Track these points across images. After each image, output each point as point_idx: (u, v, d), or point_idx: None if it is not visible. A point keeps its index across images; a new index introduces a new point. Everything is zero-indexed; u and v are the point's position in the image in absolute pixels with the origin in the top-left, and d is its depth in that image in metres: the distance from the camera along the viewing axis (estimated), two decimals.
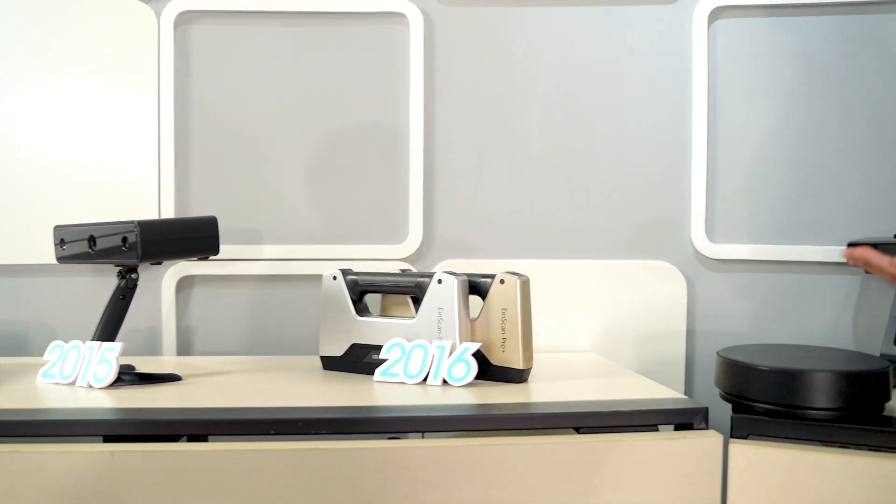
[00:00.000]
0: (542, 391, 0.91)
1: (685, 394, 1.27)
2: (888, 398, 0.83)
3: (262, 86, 1.24)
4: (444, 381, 0.93)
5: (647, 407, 0.83)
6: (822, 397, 0.81)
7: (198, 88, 1.24)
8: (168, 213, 1.22)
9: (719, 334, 1.26)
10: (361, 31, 1.25)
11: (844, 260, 1.22)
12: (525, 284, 0.96)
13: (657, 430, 0.82)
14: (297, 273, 1.24)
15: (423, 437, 0.88)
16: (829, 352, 0.93)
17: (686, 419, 0.84)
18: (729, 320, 1.26)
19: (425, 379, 0.93)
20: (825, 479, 0.78)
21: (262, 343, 1.25)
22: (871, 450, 0.80)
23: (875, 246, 1.13)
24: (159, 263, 1.05)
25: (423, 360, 0.93)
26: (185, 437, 0.81)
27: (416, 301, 0.99)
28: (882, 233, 1.23)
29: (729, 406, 0.90)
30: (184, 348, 1.24)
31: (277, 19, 1.24)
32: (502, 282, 0.95)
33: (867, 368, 0.82)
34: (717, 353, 0.92)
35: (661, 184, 1.27)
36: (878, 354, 1.12)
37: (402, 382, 0.94)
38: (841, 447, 0.80)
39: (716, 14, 1.24)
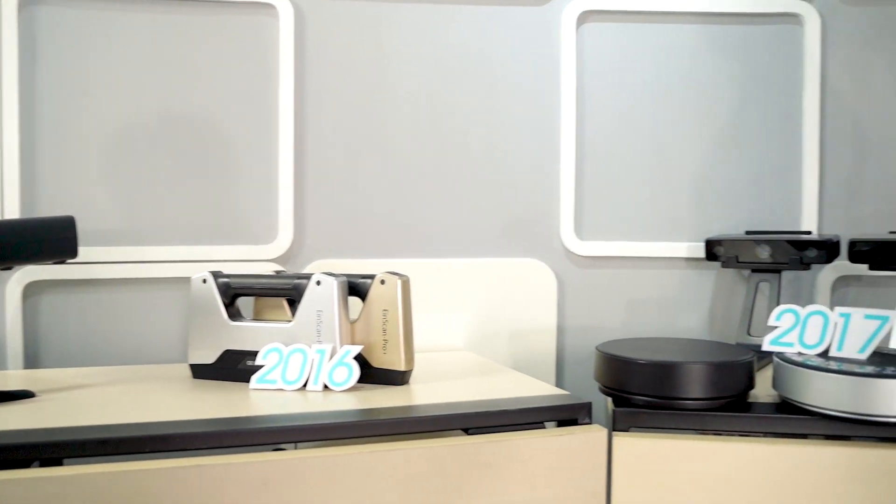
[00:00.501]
0: (426, 393, 0.90)
1: (560, 387, 1.29)
2: (753, 386, 0.87)
3: (120, 76, 1.15)
4: (325, 387, 0.89)
5: (533, 404, 0.84)
6: (696, 388, 0.84)
7: (47, 76, 1.13)
8: (13, 213, 1.11)
9: (589, 329, 1.30)
10: (230, 22, 1.19)
11: (704, 255, 1.29)
12: (406, 285, 0.94)
13: (544, 427, 0.83)
14: (158, 276, 1.16)
15: (307, 446, 0.84)
16: (700, 344, 0.97)
17: (571, 415, 0.85)
18: (598, 315, 1.30)
19: (305, 384, 0.89)
20: (702, 465, 0.81)
21: (123, 352, 1.16)
22: (741, 435, 0.84)
23: (728, 242, 1.20)
24: (9, 269, 0.95)
25: (302, 365, 0.89)
26: (37, 463, 0.73)
27: (292, 303, 0.95)
28: (736, 229, 1.30)
29: (603, 399, 0.92)
30: (32, 361, 1.13)
31: (138, 4, 1.16)
32: (383, 282, 0.93)
33: (735, 359, 0.86)
34: (597, 348, 0.94)
35: (531, 183, 1.29)
36: (734, 343, 1.19)
37: (281, 389, 0.89)
38: (715, 434, 0.84)
39: (584, 17, 1.27)
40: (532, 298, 1.28)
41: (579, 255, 1.30)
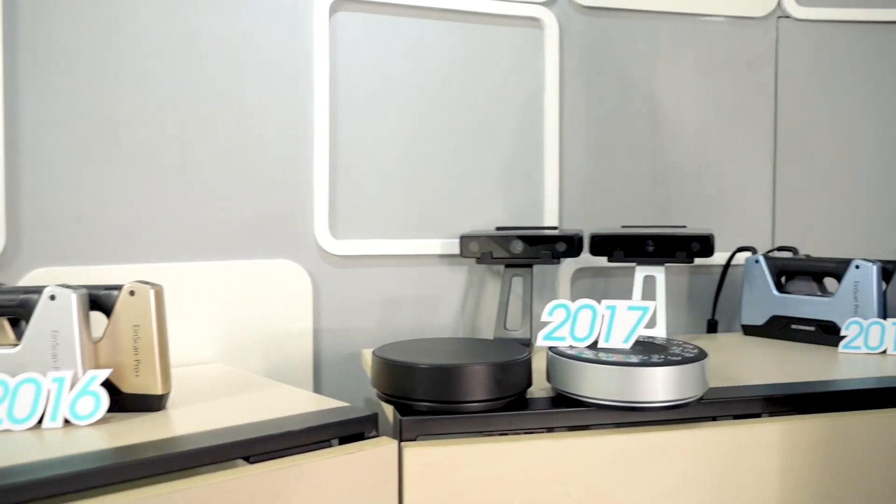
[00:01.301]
0: (190, 418, 0.78)
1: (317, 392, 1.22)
2: (531, 383, 0.88)
3: None
4: (66, 422, 0.74)
5: (318, 421, 0.77)
6: (480, 390, 0.83)
7: None
8: None
9: (346, 331, 1.25)
10: None
11: (458, 251, 1.29)
12: (159, 295, 0.82)
13: (331, 446, 0.76)
14: None
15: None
16: (474, 343, 0.96)
17: (358, 429, 0.79)
18: (354, 316, 1.25)
19: (41, 421, 0.74)
20: (492, 467, 0.80)
21: None
22: (527, 433, 0.84)
23: (483, 238, 1.22)
24: None
25: (35, 399, 0.73)
26: None
27: (16, 323, 0.78)
28: (487, 226, 1.33)
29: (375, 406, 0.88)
30: None
31: None
32: (132, 293, 0.80)
33: (515, 358, 0.86)
34: (374, 353, 0.89)
35: (283, 180, 1.20)
36: (492, 338, 1.21)
37: (8, 430, 0.73)
38: (501, 435, 0.83)
39: (338, 5, 1.21)
40: (286, 302, 1.19)
41: (334, 255, 1.24)
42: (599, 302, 0.91)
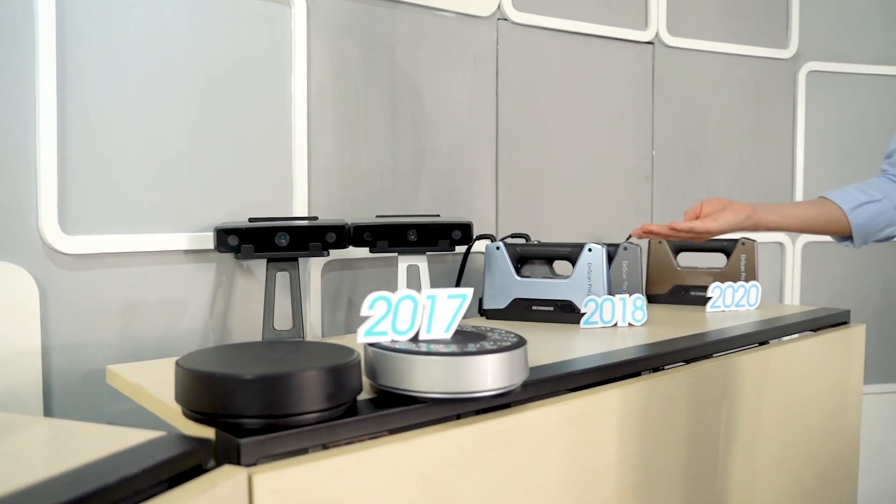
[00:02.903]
0: None
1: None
2: (362, 387, 0.82)
3: None
4: None
5: (149, 461, 0.62)
6: (317, 398, 0.74)
7: None
8: None
9: (84, 346, 1.05)
10: None
11: (204, 247, 1.15)
12: None
13: (161, 491, 0.62)
14: None
15: None
16: (290, 347, 0.86)
17: (195, 461, 0.66)
18: (93, 328, 1.06)
19: None
20: (348, 482, 0.73)
21: None
22: (371, 439, 0.78)
23: (245, 231, 1.10)
24: None
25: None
26: None
27: None
28: (237, 217, 1.21)
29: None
30: None
31: None
32: None
33: (348, 360, 0.79)
34: (178, 363, 0.76)
35: None
36: (264, 339, 1.10)
37: None
38: (347, 444, 0.76)
39: None
40: (6, 314, 0.96)
41: (65, 254, 1.03)
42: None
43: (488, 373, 0.82)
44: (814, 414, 1.35)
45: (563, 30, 1.63)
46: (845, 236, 1.17)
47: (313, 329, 1.29)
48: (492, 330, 0.93)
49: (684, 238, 1.12)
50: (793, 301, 1.98)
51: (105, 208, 1.07)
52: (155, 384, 0.92)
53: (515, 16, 1.56)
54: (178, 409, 0.78)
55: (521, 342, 0.87)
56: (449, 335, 0.89)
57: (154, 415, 0.87)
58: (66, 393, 1.03)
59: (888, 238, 1.16)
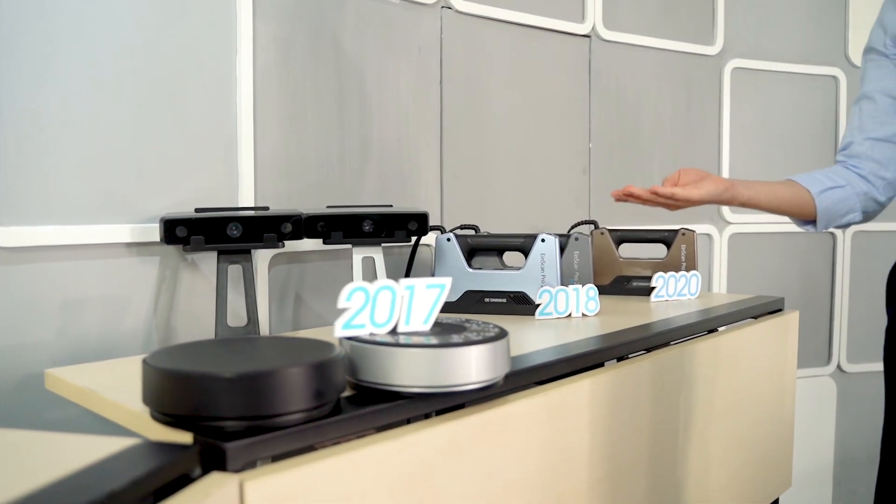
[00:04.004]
0: None
1: None
2: (346, 385, 0.78)
3: None
4: None
5: (139, 471, 0.57)
6: (302, 396, 0.70)
7: None
8: None
9: (17, 348, 0.96)
10: None
11: (146, 239, 1.08)
12: None
13: (157, 499, 0.57)
14: None
15: None
16: (265, 343, 0.81)
17: (182, 470, 0.61)
18: (27, 328, 0.97)
19: None
20: (341, 485, 0.68)
21: None
22: (357, 437, 0.74)
23: (195, 222, 1.03)
24: None
25: None
26: None
27: None
28: (181, 207, 1.14)
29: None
30: None
31: None
32: None
33: (332, 355, 0.74)
34: (146, 361, 0.70)
35: None
36: (214, 336, 1.04)
37: None
38: (334, 444, 0.72)
39: None
40: None
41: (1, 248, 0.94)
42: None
43: (472, 365, 0.79)
44: (757, 398, 1.39)
45: (504, 20, 1.62)
46: (808, 220, 1.21)
47: (261, 326, 1.23)
48: (468, 321, 0.90)
49: (662, 204, 1.11)
50: (720, 290, 2.04)
51: (39, 197, 0.98)
52: (107, 387, 0.85)
53: (459, 4, 1.53)
54: (142, 412, 0.72)
55: (503, 333, 0.85)
56: (428, 327, 0.85)
57: (108, 421, 0.81)
58: (0, 400, 0.94)
59: (847, 224, 1.20)
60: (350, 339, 0.81)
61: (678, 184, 1.11)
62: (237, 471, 0.64)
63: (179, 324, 1.14)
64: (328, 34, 1.33)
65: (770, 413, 1.44)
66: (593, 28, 1.78)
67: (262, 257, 1.24)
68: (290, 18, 1.27)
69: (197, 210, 1.11)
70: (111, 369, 0.92)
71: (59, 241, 0.99)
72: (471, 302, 1.35)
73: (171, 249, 1.12)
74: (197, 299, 1.15)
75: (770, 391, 1.44)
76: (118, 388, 0.83)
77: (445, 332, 0.84)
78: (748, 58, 2.04)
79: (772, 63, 2.06)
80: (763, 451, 1.42)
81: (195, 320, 1.15)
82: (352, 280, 1.19)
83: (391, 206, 1.31)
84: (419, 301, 0.85)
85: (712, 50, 2.00)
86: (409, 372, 0.77)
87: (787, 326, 1.49)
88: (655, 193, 1.08)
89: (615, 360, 1.09)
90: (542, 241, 1.32)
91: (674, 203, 1.08)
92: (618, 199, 1.09)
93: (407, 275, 1.41)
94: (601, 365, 1.05)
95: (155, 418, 0.70)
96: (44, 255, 0.98)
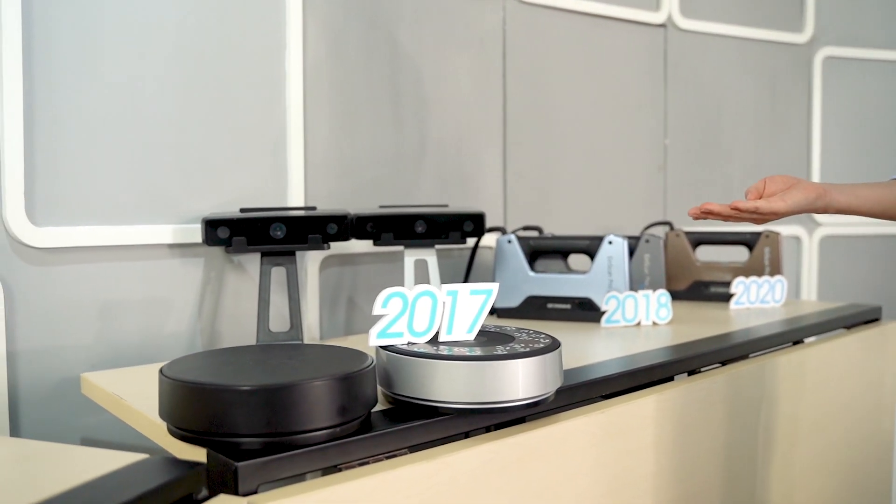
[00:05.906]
0: None
1: (15, 435, 0.89)
2: (377, 399, 0.71)
3: None
4: None
5: (135, 491, 0.52)
6: (327, 412, 0.64)
7: None
8: None
9: (55, 351, 0.93)
10: None
11: (189, 240, 1.04)
12: None
13: None
14: None
15: None
16: (292, 351, 0.76)
17: (186, 490, 0.55)
18: (65, 331, 0.94)
19: None
20: None
21: None
22: (388, 458, 0.67)
23: (237, 222, 0.99)
24: None
25: None
26: None
27: None
28: (226, 208, 1.09)
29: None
30: None
31: None
32: None
33: (362, 367, 0.68)
34: (163, 372, 0.65)
35: None
36: (255, 343, 0.99)
37: None
38: (361, 465, 0.65)
39: None
40: None
41: (33, 248, 0.92)
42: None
43: (520, 379, 0.72)
44: (850, 416, 1.25)
45: (571, 10, 1.53)
46: None
47: (311, 330, 1.18)
48: (519, 330, 0.83)
49: (747, 220, 0.98)
50: (810, 297, 1.89)
51: (79, 197, 0.95)
52: (136, 395, 0.81)
53: None
54: (163, 424, 0.67)
55: (555, 344, 0.77)
56: (472, 336, 0.78)
57: (136, 430, 0.76)
58: (35, 405, 0.92)
59: None
60: (385, 348, 0.74)
61: (763, 194, 0.97)
62: (250, 493, 0.58)
63: (224, 328, 1.10)
64: (382, 27, 1.27)
65: (865, 433, 1.30)
66: (669, 17, 1.68)
67: (312, 259, 1.19)
68: (341, 11, 1.22)
69: (242, 210, 1.06)
70: (147, 375, 0.88)
71: (98, 241, 0.96)
72: (532, 308, 1.27)
73: (216, 251, 1.08)
74: (243, 302, 1.11)
75: (865, 409, 1.30)
76: (147, 396, 0.79)
77: (491, 343, 0.76)
78: (841, 45, 1.89)
79: (868, 51, 1.90)
80: (858, 475, 1.28)
81: (240, 324, 1.10)
82: (403, 284, 1.13)
83: (447, 205, 1.24)
84: (462, 308, 0.77)
85: (801, 38, 1.86)
86: (449, 385, 0.70)
87: (884, 337, 1.35)
88: (736, 209, 0.95)
89: (686, 374, 0.99)
90: (610, 243, 1.23)
91: (759, 217, 0.95)
92: (696, 218, 0.97)
93: (466, 279, 1.34)
94: (670, 379, 0.95)
95: (171, 432, 0.65)
96: (82, 256, 0.96)
